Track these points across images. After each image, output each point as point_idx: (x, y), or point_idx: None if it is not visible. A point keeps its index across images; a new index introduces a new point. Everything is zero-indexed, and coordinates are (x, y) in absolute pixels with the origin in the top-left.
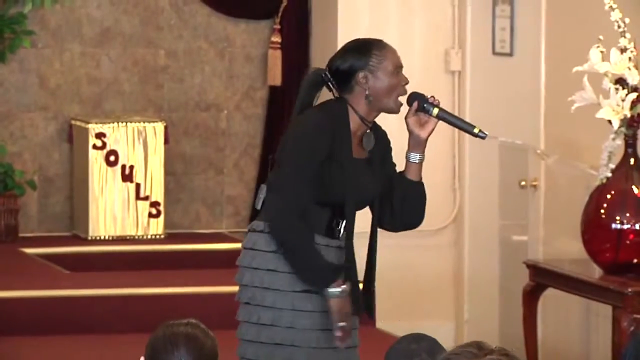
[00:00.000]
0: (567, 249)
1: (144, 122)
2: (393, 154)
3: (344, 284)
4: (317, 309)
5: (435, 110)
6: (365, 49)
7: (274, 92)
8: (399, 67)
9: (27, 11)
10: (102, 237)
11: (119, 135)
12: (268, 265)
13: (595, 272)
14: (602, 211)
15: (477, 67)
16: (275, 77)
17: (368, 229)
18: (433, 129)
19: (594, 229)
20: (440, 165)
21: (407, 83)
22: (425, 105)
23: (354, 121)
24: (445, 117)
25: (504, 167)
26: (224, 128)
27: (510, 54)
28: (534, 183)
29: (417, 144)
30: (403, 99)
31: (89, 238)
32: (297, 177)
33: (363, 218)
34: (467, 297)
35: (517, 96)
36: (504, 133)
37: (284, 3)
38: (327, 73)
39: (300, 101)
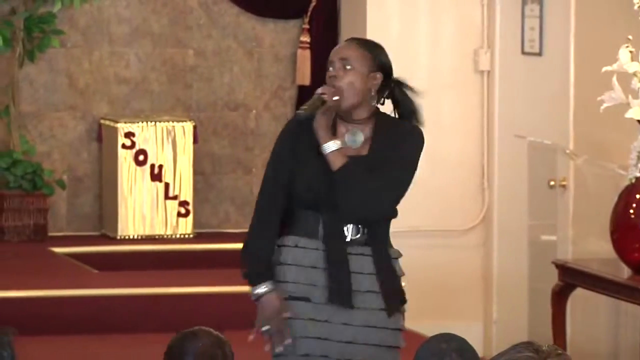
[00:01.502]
0: (596, 249)
1: (172, 122)
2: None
3: (265, 287)
4: (297, 316)
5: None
6: None
7: (303, 91)
8: (330, 61)
9: (56, 10)
10: (131, 237)
11: (148, 135)
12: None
13: (624, 272)
14: (631, 211)
15: (506, 67)
16: (304, 76)
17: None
18: (325, 122)
19: (623, 229)
20: (469, 165)
21: (330, 76)
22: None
23: (338, 121)
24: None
25: (533, 167)
26: (253, 128)
27: (540, 54)
28: (563, 183)
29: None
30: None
31: (118, 237)
32: (264, 191)
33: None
34: (495, 297)
35: (546, 96)
36: (533, 133)
37: (313, 3)
38: None
39: None
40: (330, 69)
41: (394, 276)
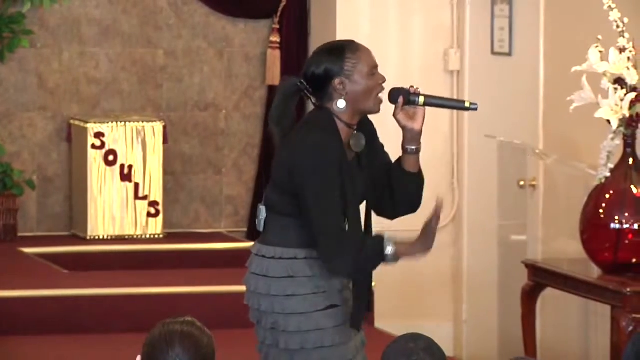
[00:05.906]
0: (566, 249)
1: (142, 122)
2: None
3: (387, 249)
4: (340, 323)
5: (422, 99)
6: (338, 53)
7: (273, 91)
8: (374, 67)
9: (25, 11)
10: (101, 237)
11: (118, 135)
12: (286, 291)
13: (594, 272)
14: (601, 211)
15: (476, 67)
16: (274, 76)
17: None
18: (424, 117)
19: (593, 229)
20: (439, 164)
21: (384, 81)
22: (410, 98)
23: (342, 129)
24: (433, 102)
25: (503, 167)
26: (223, 128)
27: (509, 54)
28: (533, 183)
29: (413, 137)
30: (384, 96)
31: (88, 238)
32: (328, 211)
33: None
34: (465, 297)
35: (516, 96)
36: (503, 133)
37: (283, 3)
38: (302, 81)
39: (278, 113)
40: (379, 73)
41: None
